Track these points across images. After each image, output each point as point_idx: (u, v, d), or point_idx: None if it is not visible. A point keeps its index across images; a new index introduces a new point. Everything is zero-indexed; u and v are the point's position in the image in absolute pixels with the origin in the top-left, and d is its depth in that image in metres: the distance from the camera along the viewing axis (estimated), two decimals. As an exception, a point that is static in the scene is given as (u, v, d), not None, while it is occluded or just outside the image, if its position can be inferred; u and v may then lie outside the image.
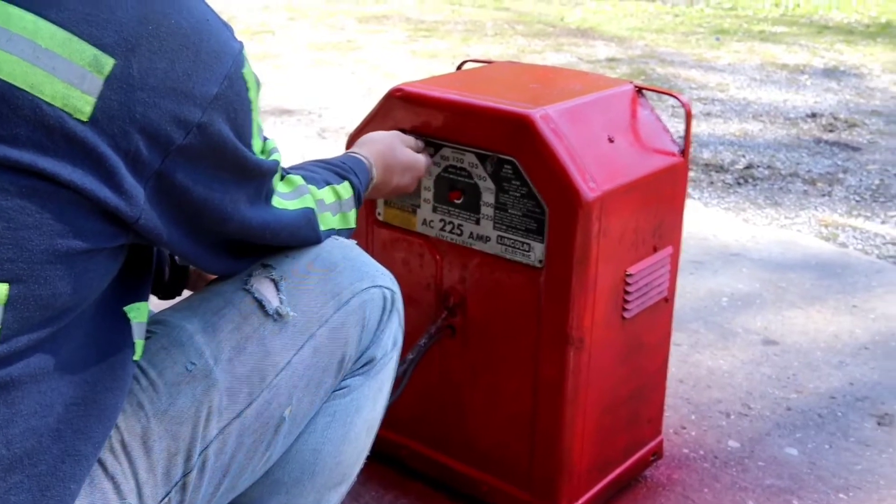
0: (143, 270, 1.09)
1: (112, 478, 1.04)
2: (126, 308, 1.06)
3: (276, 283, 1.21)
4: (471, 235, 1.65)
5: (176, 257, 1.47)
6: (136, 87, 0.92)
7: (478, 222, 1.64)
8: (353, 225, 1.39)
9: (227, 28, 1.03)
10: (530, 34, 7.11)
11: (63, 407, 0.97)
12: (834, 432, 2.11)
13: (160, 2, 0.94)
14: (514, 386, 1.68)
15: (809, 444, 2.06)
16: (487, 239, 1.63)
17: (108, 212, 0.94)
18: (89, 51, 0.89)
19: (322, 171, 1.36)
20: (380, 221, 1.78)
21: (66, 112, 0.89)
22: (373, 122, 1.71)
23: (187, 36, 0.96)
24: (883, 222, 3.45)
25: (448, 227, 1.68)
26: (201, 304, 1.19)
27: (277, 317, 1.19)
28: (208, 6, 1.02)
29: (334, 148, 4.03)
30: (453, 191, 1.65)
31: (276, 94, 5.15)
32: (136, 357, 1.07)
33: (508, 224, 1.60)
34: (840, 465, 1.99)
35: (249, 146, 1.07)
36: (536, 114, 1.54)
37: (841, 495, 1.89)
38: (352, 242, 1.35)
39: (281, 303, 1.19)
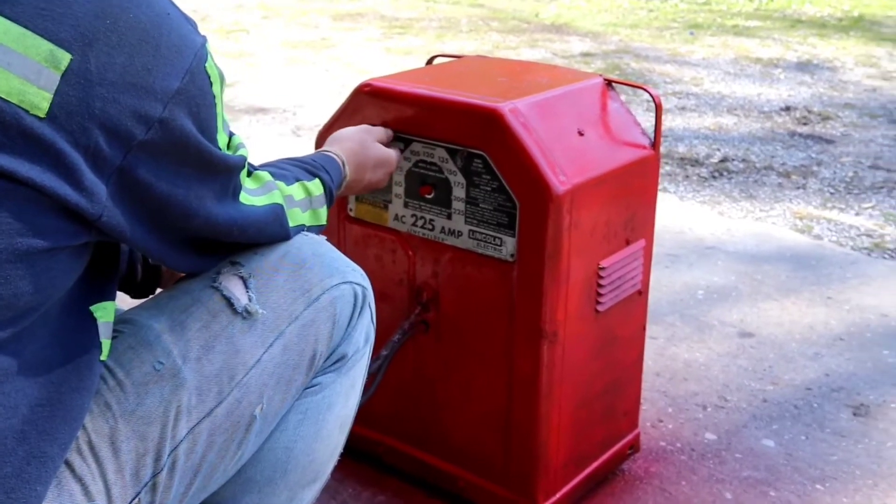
0: (110, 269, 1.08)
1: (80, 479, 1.03)
2: (92, 307, 1.04)
3: (244, 281, 1.19)
4: (442, 230, 1.64)
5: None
6: (95, 83, 0.90)
7: (449, 217, 1.63)
8: (323, 222, 1.37)
9: (190, 22, 1.02)
10: (505, 30, 7.10)
11: (28, 408, 0.96)
12: (810, 423, 2.11)
13: None
14: (489, 381, 1.67)
15: (786, 435, 2.06)
16: (459, 234, 1.62)
17: (69, 209, 0.92)
18: (45, 46, 0.88)
19: (292, 168, 1.35)
20: (351, 217, 1.76)
21: (22, 108, 0.87)
22: (342, 117, 1.70)
23: (146, 30, 0.94)
24: (857, 214, 3.47)
25: (420, 223, 1.67)
26: (169, 302, 1.18)
27: (246, 314, 1.17)
28: (170, 0, 1.00)
29: (309, 146, 4.01)
30: (424, 186, 1.64)
31: (251, 93, 5.13)
32: (103, 357, 1.06)
33: (480, 218, 1.59)
34: (816, 456, 1.99)
35: (214, 141, 1.05)
36: (505, 107, 1.53)
37: (818, 486, 1.89)
38: (321, 238, 1.33)
39: (250, 300, 1.18)
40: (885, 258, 3.06)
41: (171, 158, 0.99)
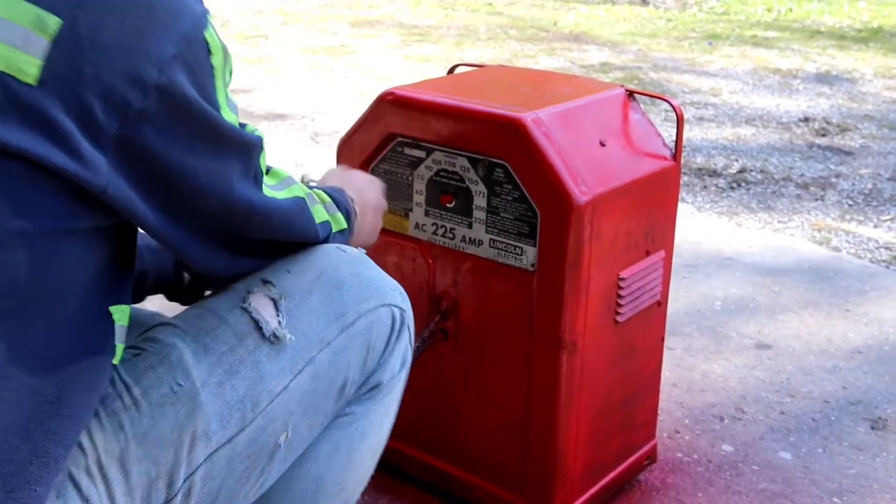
0: (127, 270, 1.04)
1: (86, 499, 1.00)
2: (112, 308, 1.01)
3: (275, 303, 1.15)
4: (463, 239, 1.65)
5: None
6: (85, 47, 0.88)
7: (470, 226, 1.63)
8: (345, 226, 1.31)
9: None
10: (523, 39, 7.11)
11: (33, 404, 0.93)
12: (827, 436, 2.10)
13: None
14: (507, 390, 1.67)
15: (803, 448, 2.06)
16: (480, 243, 1.63)
17: (70, 182, 0.89)
18: (31, 10, 0.86)
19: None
20: (372, 225, 1.77)
21: (10, 75, 0.85)
22: (364, 125, 1.71)
23: None
24: (875, 226, 3.46)
25: (440, 231, 1.68)
26: (196, 321, 1.13)
27: (275, 339, 1.13)
28: None
29: (327, 152, 4.02)
30: (445, 194, 1.65)
31: (269, 99, 5.15)
32: (116, 361, 1.03)
33: (501, 228, 1.59)
34: (834, 470, 1.98)
35: (217, 110, 1.00)
36: (528, 117, 1.53)
37: (835, 499, 1.89)
38: (361, 254, 1.28)
39: (279, 324, 1.14)
40: (903, 271, 3.05)
41: (178, 129, 0.95)
